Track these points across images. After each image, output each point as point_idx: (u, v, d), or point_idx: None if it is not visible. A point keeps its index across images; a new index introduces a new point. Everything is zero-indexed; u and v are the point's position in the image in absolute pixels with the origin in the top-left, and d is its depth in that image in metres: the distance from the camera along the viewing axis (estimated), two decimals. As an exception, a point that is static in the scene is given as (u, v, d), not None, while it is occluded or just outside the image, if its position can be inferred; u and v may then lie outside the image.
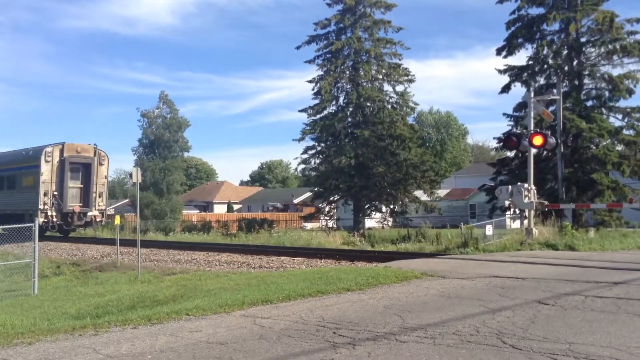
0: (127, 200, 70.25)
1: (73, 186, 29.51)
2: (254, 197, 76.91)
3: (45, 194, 28.18)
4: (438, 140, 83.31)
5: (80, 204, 29.52)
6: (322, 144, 38.44)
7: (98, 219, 30.74)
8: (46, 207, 28.19)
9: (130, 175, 17.97)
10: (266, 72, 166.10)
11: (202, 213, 58.21)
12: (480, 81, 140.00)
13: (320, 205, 39.81)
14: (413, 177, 35.93)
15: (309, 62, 38.13)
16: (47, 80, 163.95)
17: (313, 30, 37.83)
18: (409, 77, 37.82)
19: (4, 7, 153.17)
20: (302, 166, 40.15)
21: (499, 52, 31.01)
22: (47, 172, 28.30)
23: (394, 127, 36.08)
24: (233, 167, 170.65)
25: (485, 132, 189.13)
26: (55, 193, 28.54)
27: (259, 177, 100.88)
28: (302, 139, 38.03)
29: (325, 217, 41.76)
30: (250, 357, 5.42)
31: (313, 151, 38.56)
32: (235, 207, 71.50)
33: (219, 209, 69.51)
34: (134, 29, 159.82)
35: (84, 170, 29.70)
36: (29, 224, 14.91)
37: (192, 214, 50.84)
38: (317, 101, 37.60)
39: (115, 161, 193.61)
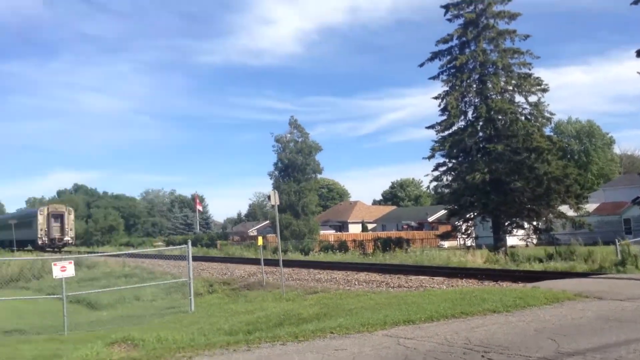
0: (267, 221, 73.45)
1: (55, 225, 53.30)
2: (388, 216, 76.78)
3: (41, 230, 52.13)
4: (581, 151, 77.83)
5: (59, 235, 53.31)
6: (453, 160, 37.46)
7: (70, 242, 54.27)
8: (40, 236, 51.92)
9: (269, 197, 18.83)
10: (390, 91, 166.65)
11: (338, 233, 59.16)
12: (620, 86, 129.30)
13: (456, 223, 38.76)
14: (556, 191, 33.68)
15: (433, 78, 37.51)
16: (190, 113, 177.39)
17: (435, 46, 37.31)
18: (542, 86, 35.72)
19: (150, 49, 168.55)
20: (434, 183, 39.41)
21: (639, 54, 28.76)
22: (41, 219, 52.66)
23: (530, 139, 34.15)
24: (365, 187, 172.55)
25: (634, 139, 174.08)
26: (46, 229, 52.50)
27: (391, 196, 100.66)
28: (432, 156, 37.36)
29: (463, 235, 40.53)
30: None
31: (444, 168, 37.69)
32: (370, 226, 71.82)
33: (354, 229, 70.24)
34: (261, 60, 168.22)
35: (60, 217, 54.18)
36: (183, 246, 16.14)
37: (329, 234, 51.86)
38: (444, 117, 36.82)
39: (254, 185, 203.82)
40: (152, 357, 6.77)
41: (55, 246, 51.98)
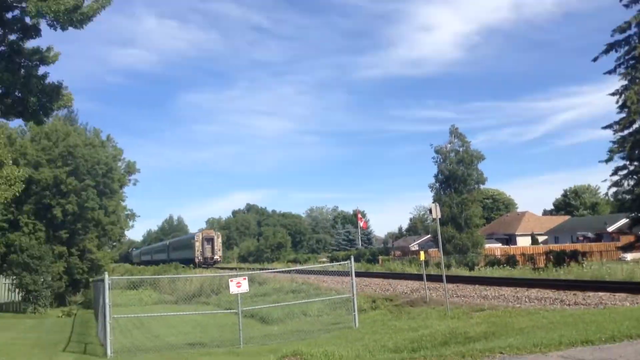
0: (429, 235, 72.39)
1: (207, 247, 65.11)
2: (561, 227, 71.62)
3: (197, 251, 64.14)
4: None
5: (210, 255, 65.09)
6: (635, 163, 33.84)
7: (218, 260, 65.98)
8: (197, 256, 63.29)
9: (430, 211, 18.56)
10: (560, 90, 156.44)
11: (505, 246, 56.49)
12: None
13: (640, 232, 35.05)
14: None
15: (609, 72, 34.30)
16: (351, 129, 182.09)
17: (610, 37, 34.14)
18: None
19: (310, 69, 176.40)
20: (614, 189, 35.97)
21: None
22: (197, 242, 65.16)
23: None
24: (533, 196, 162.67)
25: None
26: (201, 250, 64.35)
27: (563, 205, 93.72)
28: (610, 159, 34.12)
29: (650, 246, 36.44)
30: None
31: (625, 172, 34.19)
32: (540, 238, 67.57)
33: (522, 242, 66.54)
34: (421, 69, 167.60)
35: (211, 240, 66.23)
36: (346, 262, 16.52)
37: (495, 248, 49.70)
38: (623, 115, 33.53)
39: (415, 198, 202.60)
40: (320, 372, 6.98)
41: (208, 264, 62.83)
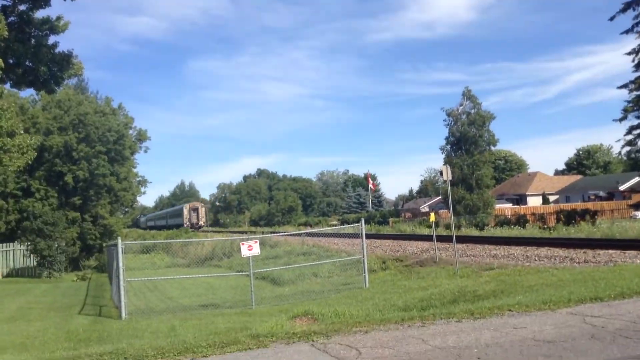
0: (440, 197, 72.44)
1: (193, 215, 79.26)
2: (572, 186, 71.25)
3: (185, 218, 78.37)
4: None
5: (196, 221, 78.45)
6: (650, 121, 33.50)
7: (202, 225, 79.14)
8: (185, 222, 76.51)
9: (441, 173, 18.49)
10: (573, 51, 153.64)
11: (515, 206, 56.38)
12: None
13: (653, 191, 34.86)
14: None
15: (626, 32, 33.66)
16: (361, 93, 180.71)
17: (628, -5, 33.33)
18: None
19: (320, 34, 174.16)
20: (627, 148, 35.63)
21: None
22: (185, 212, 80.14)
23: None
24: (545, 157, 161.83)
25: None
26: (188, 217, 78.48)
27: (576, 165, 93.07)
28: (623, 118, 33.83)
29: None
30: (582, 357, 5.09)
31: (639, 130, 33.92)
32: (551, 198, 67.34)
33: (533, 202, 66.36)
34: (433, 32, 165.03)
35: (196, 210, 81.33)
36: (357, 224, 16.58)
37: (505, 208, 49.62)
38: (638, 74, 32.98)
39: (425, 161, 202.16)
40: (331, 330, 7.06)
41: (194, 228, 76.60)
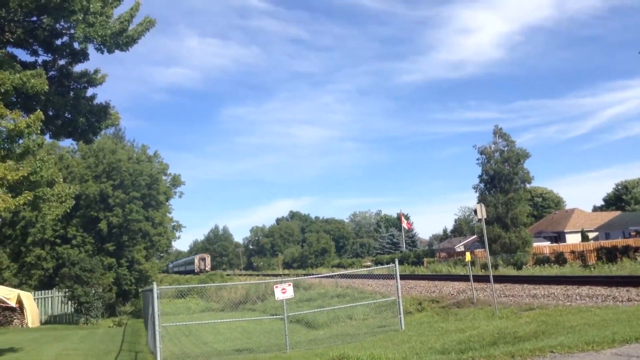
0: (475, 236, 71.23)
1: (201, 262, 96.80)
2: (612, 222, 69.39)
3: (196, 265, 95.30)
4: None
5: (203, 267, 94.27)
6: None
7: (207, 270, 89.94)
8: (196, 268, 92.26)
9: (475, 211, 18.25)
10: (606, 85, 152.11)
11: (554, 244, 55.08)
12: None
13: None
14: None
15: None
16: (392, 134, 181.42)
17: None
18: None
19: (350, 77, 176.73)
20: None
21: None
22: (196, 260, 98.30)
23: None
24: (582, 193, 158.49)
25: None
26: (198, 265, 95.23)
27: (614, 200, 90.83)
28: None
29: None
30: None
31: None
32: (590, 235, 65.61)
33: (572, 239, 64.77)
34: (462, 71, 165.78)
35: (204, 259, 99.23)
36: (390, 265, 16.40)
37: (543, 246, 48.54)
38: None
39: (459, 200, 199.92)
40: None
41: (201, 272, 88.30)
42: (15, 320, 27.61)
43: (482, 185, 44.44)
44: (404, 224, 79.54)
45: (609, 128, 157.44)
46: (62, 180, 17.64)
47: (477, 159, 44.39)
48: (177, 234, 46.49)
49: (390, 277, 17.62)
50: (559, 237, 68.69)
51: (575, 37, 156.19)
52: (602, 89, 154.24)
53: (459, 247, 76.06)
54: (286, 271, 72.80)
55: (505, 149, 43.67)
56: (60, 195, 15.08)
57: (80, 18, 12.61)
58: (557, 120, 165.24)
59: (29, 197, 12.16)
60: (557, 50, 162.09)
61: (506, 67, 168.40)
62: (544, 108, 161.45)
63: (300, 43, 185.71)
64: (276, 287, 14.65)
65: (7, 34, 13.91)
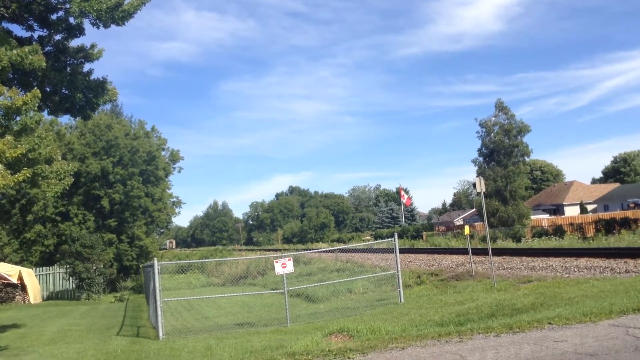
0: (474, 210, 71.48)
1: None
2: (610, 194, 69.57)
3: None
4: None
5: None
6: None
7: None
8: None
9: (474, 185, 18.27)
10: (606, 57, 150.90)
11: (552, 217, 55.28)
12: None
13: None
14: None
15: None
16: (390, 108, 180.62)
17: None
18: None
19: (348, 50, 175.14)
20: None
21: None
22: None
23: None
24: (581, 165, 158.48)
25: None
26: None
27: (613, 172, 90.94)
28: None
29: None
30: (628, 371, 4.93)
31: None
32: (589, 207, 65.85)
33: (570, 211, 64.98)
34: (461, 44, 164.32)
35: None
36: (390, 239, 16.48)
37: (542, 219, 48.71)
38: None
39: (458, 173, 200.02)
40: (366, 347, 7.01)
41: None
42: (17, 297, 27.80)
43: (481, 158, 44.40)
44: (404, 200, 79.65)
45: (609, 100, 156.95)
46: (60, 157, 17.59)
47: (477, 132, 44.28)
48: (177, 210, 46.59)
49: (389, 251, 17.70)
50: (557, 210, 68.93)
51: (574, 8, 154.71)
52: (602, 60, 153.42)
53: (458, 221, 76.30)
54: (286, 246, 73.14)
55: (505, 122, 43.52)
56: (58, 173, 15.05)
57: (76, -8, 12.44)
58: (557, 93, 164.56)
59: (27, 174, 12.13)
60: (557, 21, 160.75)
61: (505, 40, 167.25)
62: (543, 80, 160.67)
63: (298, 16, 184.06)
64: (276, 261, 14.73)
65: (1, 9, 13.72)
